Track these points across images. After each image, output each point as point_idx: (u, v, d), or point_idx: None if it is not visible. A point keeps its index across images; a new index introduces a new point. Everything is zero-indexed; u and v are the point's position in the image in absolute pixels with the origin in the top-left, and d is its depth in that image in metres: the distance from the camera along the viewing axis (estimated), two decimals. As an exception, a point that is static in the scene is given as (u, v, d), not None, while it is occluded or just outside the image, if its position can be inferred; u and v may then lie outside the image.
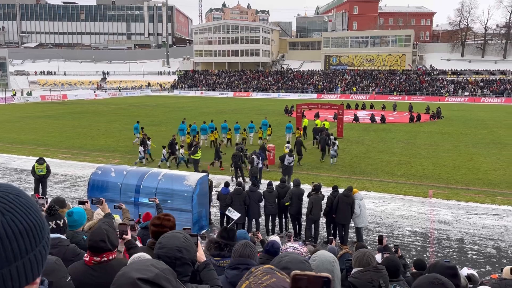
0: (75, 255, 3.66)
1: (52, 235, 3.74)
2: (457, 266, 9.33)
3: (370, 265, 3.42)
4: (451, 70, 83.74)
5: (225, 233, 3.89)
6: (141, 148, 20.81)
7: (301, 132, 28.77)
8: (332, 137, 22.56)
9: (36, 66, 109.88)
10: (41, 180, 15.13)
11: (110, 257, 3.23)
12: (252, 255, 3.29)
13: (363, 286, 3.17)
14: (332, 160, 21.55)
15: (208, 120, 28.18)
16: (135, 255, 2.97)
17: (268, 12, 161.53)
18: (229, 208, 11.38)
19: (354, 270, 3.39)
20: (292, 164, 17.71)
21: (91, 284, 2.99)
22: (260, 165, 17.53)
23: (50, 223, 3.80)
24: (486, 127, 36.87)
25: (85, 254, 3.27)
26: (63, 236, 3.85)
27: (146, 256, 2.92)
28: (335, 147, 21.43)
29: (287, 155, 17.83)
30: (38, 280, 1.12)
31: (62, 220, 3.90)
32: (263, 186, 14.80)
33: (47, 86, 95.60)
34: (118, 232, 4.00)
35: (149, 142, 21.90)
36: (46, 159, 16.06)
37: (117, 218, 6.25)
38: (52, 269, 2.69)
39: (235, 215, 10.96)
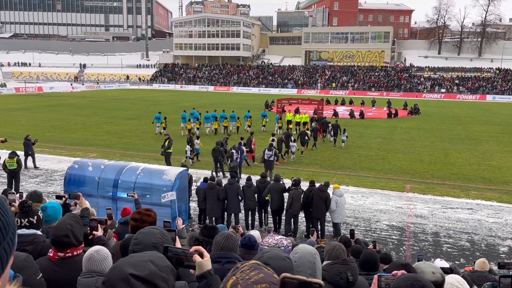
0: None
1: (27, 231, 3.63)
2: (431, 259, 9.50)
3: (339, 258, 3.46)
4: (428, 67, 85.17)
5: (205, 230, 3.85)
6: (188, 147, 19.91)
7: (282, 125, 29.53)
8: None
9: (10, 57, 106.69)
10: (12, 174, 14.76)
11: (75, 253, 3.13)
12: (234, 248, 3.23)
13: (331, 279, 3.20)
14: (343, 144, 24.84)
15: (211, 110, 31.21)
16: (91, 250, 2.89)
17: (249, 6, 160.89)
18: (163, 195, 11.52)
19: (325, 262, 3.43)
20: (271, 159, 17.65)
21: (55, 280, 2.90)
22: (239, 160, 17.50)
23: (23, 220, 3.68)
24: (461, 123, 37.72)
25: (50, 250, 3.17)
26: (39, 232, 3.75)
27: (104, 250, 2.85)
28: (346, 133, 24.95)
29: (266, 149, 17.84)
30: (5, 276, 1.06)
31: (35, 217, 3.78)
32: (243, 181, 14.79)
33: (21, 78, 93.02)
34: (88, 228, 3.90)
35: (197, 141, 21.08)
36: (18, 152, 15.68)
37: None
38: (22, 266, 2.61)
39: (170, 195, 11.14)
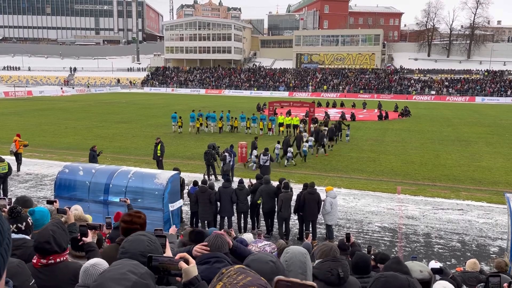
0: None
1: (16, 236, 3.60)
2: (423, 260, 9.55)
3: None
4: (418, 69, 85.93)
5: (192, 235, 3.81)
6: (254, 152, 19.95)
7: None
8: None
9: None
10: (4, 179, 14.58)
11: (58, 260, 3.09)
12: (223, 246, 3.19)
13: (322, 276, 3.20)
14: (347, 138, 27.68)
15: (219, 111, 34.04)
16: (87, 263, 2.83)
17: (240, 9, 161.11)
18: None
19: (316, 261, 3.43)
20: (268, 164, 17.10)
21: (39, 287, 2.87)
22: (232, 163, 17.42)
23: (11, 226, 3.64)
24: (451, 124, 38.06)
25: (34, 256, 3.14)
26: (28, 237, 3.71)
27: (102, 263, 2.81)
28: (349, 129, 27.84)
29: (261, 154, 17.35)
30: (2, 282, 1.06)
31: (24, 223, 3.74)
32: (234, 184, 14.75)
33: (10, 82, 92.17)
34: (79, 234, 3.85)
35: (306, 143, 22.33)
36: (7, 157, 15.55)
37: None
38: (15, 272, 2.58)
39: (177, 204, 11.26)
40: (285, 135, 29.68)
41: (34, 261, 3.09)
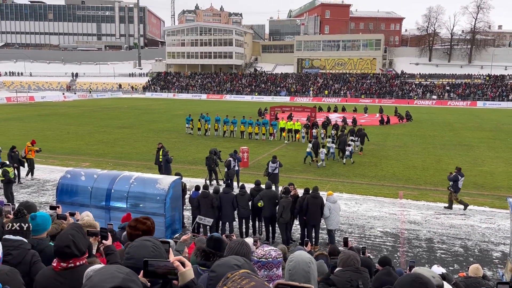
0: (34, 261, 3.66)
1: (14, 237, 3.74)
2: (426, 265, 9.51)
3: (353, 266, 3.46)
4: (420, 74, 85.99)
5: (211, 242, 3.78)
6: (323, 150, 21.51)
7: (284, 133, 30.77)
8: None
9: (1, 66, 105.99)
10: (12, 183, 14.69)
11: (78, 263, 3.13)
12: (248, 254, 3.14)
13: (342, 285, 3.19)
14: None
15: (228, 114, 34.52)
16: (89, 269, 2.86)
17: (241, 14, 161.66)
18: (199, 216, 10.96)
19: (337, 269, 3.43)
20: (276, 171, 16.56)
21: None
22: (236, 168, 17.36)
23: (14, 224, 3.77)
24: (453, 129, 38.02)
25: (54, 259, 3.20)
26: (25, 240, 3.81)
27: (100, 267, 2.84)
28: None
29: (270, 162, 16.81)
30: None
31: (26, 224, 3.86)
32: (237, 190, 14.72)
33: (13, 87, 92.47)
34: (99, 237, 3.95)
35: (351, 143, 23.52)
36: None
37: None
38: (4, 280, 2.60)
39: (207, 221, 10.60)
40: (287, 140, 29.74)
41: (54, 264, 3.14)
